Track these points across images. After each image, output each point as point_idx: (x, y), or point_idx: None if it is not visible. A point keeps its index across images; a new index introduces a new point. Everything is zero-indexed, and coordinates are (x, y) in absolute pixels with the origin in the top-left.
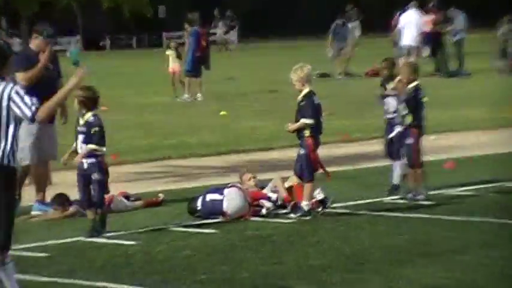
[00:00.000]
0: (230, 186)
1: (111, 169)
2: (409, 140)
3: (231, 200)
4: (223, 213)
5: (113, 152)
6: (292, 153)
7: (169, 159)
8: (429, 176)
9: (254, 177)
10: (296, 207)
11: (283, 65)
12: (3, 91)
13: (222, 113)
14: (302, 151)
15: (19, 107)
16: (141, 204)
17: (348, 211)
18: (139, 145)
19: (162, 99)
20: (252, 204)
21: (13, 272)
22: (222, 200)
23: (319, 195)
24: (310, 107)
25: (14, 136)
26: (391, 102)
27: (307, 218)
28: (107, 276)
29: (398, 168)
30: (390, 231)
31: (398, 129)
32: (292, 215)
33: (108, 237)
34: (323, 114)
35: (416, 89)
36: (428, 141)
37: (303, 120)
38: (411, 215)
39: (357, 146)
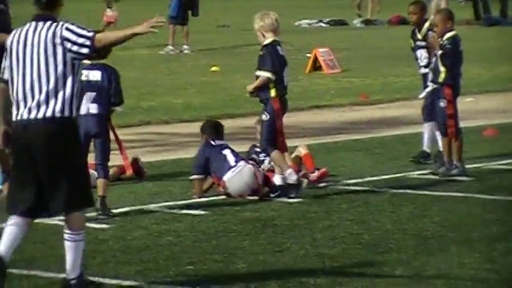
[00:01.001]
0: (247, 162)
1: None
2: (442, 103)
3: (237, 178)
4: (218, 178)
5: None
6: (299, 118)
7: (147, 125)
8: (465, 146)
9: None
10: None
11: (286, 10)
12: (54, 33)
13: (213, 68)
14: (265, 117)
15: (75, 43)
16: (114, 173)
17: (366, 188)
18: None
19: (139, 51)
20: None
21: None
22: (230, 168)
23: (290, 176)
24: (271, 58)
25: (74, 83)
26: (424, 54)
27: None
28: None
29: (427, 132)
30: (417, 213)
31: (429, 88)
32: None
33: None
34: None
35: (454, 40)
36: (464, 103)
37: (260, 73)
38: (443, 194)
39: (376, 110)
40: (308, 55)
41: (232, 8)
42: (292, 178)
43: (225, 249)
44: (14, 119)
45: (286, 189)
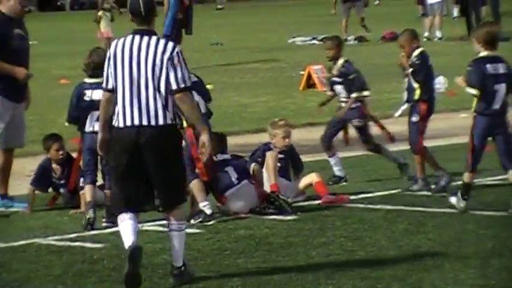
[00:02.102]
0: (249, 181)
1: (74, 155)
2: (414, 118)
3: (238, 196)
4: (219, 194)
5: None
6: (293, 135)
7: None
8: (459, 162)
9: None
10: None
11: (280, 27)
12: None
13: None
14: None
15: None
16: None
17: (360, 205)
18: None
19: None
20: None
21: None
22: (232, 185)
23: (205, 209)
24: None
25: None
26: (341, 91)
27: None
28: (68, 286)
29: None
30: (412, 230)
31: (404, 106)
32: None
33: (70, 239)
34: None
35: (422, 56)
36: (458, 119)
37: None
38: (437, 210)
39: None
40: (302, 72)
41: (225, 25)
42: (208, 211)
43: (219, 267)
44: (121, 124)
45: (198, 214)
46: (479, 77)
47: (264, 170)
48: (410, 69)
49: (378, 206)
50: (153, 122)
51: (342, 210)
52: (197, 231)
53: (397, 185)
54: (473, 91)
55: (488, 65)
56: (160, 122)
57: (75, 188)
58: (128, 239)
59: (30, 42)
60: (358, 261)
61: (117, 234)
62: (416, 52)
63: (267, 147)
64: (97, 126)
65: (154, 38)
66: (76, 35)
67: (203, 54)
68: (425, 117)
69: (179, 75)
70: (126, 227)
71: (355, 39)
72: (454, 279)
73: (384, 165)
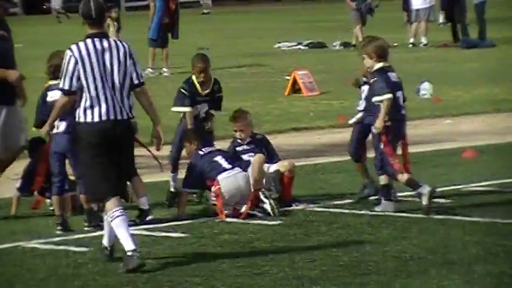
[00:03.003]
0: (242, 169)
1: None
2: (375, 129)
3: (231, 180)
4: (211, 180)
5: None
6: (278, 140)
7: None
8: (445, 169)
9: None
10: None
11: (265, 33)
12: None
13: None
14: None
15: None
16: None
17: (345, 211)
18: None
19: None
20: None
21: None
22: (224, 170)
23: (143, 204)
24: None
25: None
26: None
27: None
28: None
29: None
30: (396, 235)
31: (359, 115)
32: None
33: (55, 243)
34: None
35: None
36: (443, 125)
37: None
38: (422, 216)
39: None
40: (287, 77)
41: (211, 30)
42: (145, 206)
43: (204, 272)
44: (95, 119)
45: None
46: (388, 83)
47: (249, 170)
48: (372, 80)
49: (363, 212)
50: (124, 116)
51: (327, 215)
52: (182, 235)
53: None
54: (387, 96)
55: (389, 73)
56: (129, 115)
57: (42, 190)
58: (128, 244)
59: (16, 46)
60: (342, 267)
61: (101, 237)
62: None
63: (235, 143)
64: (62, 127)
65: (111, 40)
66: (62, 38)
67: (189, 58)
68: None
69: (138, 71)
70: (121, 228)
71: (340, 44)
72: (438, 285)
73: (370, 169)
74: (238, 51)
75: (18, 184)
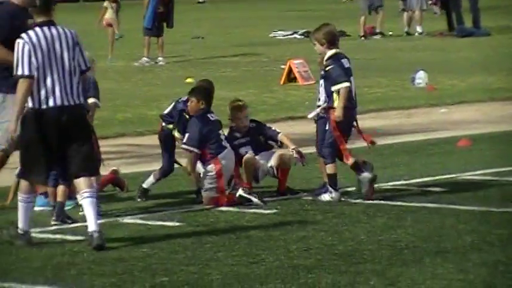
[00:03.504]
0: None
1: None
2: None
3: (227, 160)
4: (212, 155)
5: None
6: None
7: (123, 137)
8: (439, 157)
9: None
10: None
11: (260, 21)
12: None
13: (187, 80)
14: None
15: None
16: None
17: (341, 199)
18: None
19: (114, 63)
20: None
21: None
22: (224, 147)
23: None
24: None
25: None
26: None
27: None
28: (47, 278)
29: None
30: (391, 224)
31: (319, 109)
32: None
33: (51, 231)
34: None
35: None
36: (437, 114)
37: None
38: (417, 204)
39: None
40: (283, 66)
41: (207, 19)
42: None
43: (200, 261)
44: (46, 105)
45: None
46: (344, 70)
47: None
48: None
49: (358, 201)
50: (73, 102)
51: (322, 204)
52: (177, 224)
53: (377, 180)
54: (345, 84)
55: (342, 60)
56: (80, 100)
57: None
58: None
59: None
60: (337, 255)
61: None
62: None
63: (232, 135)
64: None
65: (59, 28)
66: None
67: (184, 47)
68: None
69: (85, 56)
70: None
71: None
72: (433, 274)
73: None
74: (233, 40)
75: (17, 171)
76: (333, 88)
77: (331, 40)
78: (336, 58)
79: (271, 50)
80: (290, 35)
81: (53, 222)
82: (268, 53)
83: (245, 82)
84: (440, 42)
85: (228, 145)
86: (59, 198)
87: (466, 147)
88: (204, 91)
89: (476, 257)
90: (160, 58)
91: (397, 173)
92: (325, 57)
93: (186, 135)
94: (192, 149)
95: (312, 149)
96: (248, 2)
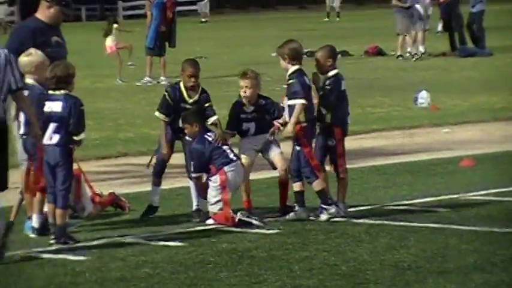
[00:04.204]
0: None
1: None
2: (330, 142)
3: (235, 173)
4: (217, 169)
5: None
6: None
7: (125, 157)
8: (442, 177)
9: None
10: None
11: (263, 41)
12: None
13: None
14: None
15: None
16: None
17: (343, 219)
18: (87, 139)
19: (116, 83)
20: None
21: None
22: (231, 161)
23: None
24: None
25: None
26: None
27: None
28: None
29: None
30: (394, 244)
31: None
32: None
33: (53, 251)
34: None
35: (336, 79)
36: (440, 134)
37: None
38: (420, 224)
39: (353, 140)
40: (285, 86)
41: (209, 38)
42: (36, 224)
43: (202, 281)
44: None
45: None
46: (303, 87)
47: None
48: (321, 92)
49: (361, 220)
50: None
51: (324, 224)
52: (179, 244)
53: (379, 199)
54: (301, 101)
55: (304, 77)
56: (5, 118)
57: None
58: None
59: None
60: (340, 276)
61: (100, 246)
62: (331, 74)
63: (238, 108)
64: (55, 139)
65: None
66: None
67: None
68: (341, 140)
69: (17, 76)
70: None
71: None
72: None
73: (366, 178)
74: (236, 59)
75: (20, 188)
76: (288, 102)
77: (294, 56)
78: (298, 74)
79: (273, 70)
80: None
81: (51, 242)
82: (271, 72)
83: None
84: (443, 62)
85: (236, 158)
86: (58, 221)
87: (469, 167)
88: (192, 114)
89: (479, 277)
90: (162, 78)
91: (399, 193)
92: (288, 73)
93: (192, 164)
94: (200, 174)
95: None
96: (251, 22)
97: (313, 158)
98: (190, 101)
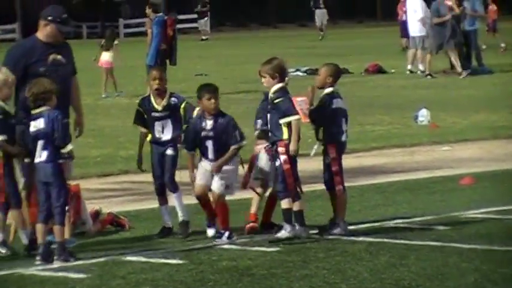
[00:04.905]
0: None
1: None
2: (327, 160)
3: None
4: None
5: None
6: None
7: (126, 174)
8: (442, 195)
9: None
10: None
11: (263, 58)
12: None
13: None
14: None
15: None
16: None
17: (343, 237)
18: (89, 156)
19: (117, 100)
20: None
21: None
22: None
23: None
24: None
25: None
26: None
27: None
28: None
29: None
30: (394, 262)
31: (316, 145)
32: None
33: (53, 269)
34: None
35: (329, 97)
36: (440, 152)
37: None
38: (420, 243)
39: (352, 158)
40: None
41: (210, 56)
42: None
43: None
44: None
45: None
46: (292, 104)
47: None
48: (311, 107)
49: (361, 238)
50: None
51: (324, 242)
52: (180, 262)
53: (379, 218)
54: (297, 116)
55: (289, 94)
56: None
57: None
58: None
59: None
60: None
61: (100, 264)
62: (327, 91)
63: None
64: (44, 156)
65: None
66: None
67: (188, 84)
68: (336, 159)
69: None
70: None
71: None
72: None
73: (366, 196)
74: (237, 77)
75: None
76: (282, 121)
77: (279, 73)
78: (284, 91)
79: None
80: (293, 72)
81: (37, 262)
82: None
83: (249, 119)
84: (442, 80)
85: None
86: (57, 238)
87: (469, 185)
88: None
89: None
90: None
91: (399, 211)
92: (272, 90)
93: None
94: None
95: (316, 186)
96: (251, 39)
97: (290, 176)
98: (159, 108)
